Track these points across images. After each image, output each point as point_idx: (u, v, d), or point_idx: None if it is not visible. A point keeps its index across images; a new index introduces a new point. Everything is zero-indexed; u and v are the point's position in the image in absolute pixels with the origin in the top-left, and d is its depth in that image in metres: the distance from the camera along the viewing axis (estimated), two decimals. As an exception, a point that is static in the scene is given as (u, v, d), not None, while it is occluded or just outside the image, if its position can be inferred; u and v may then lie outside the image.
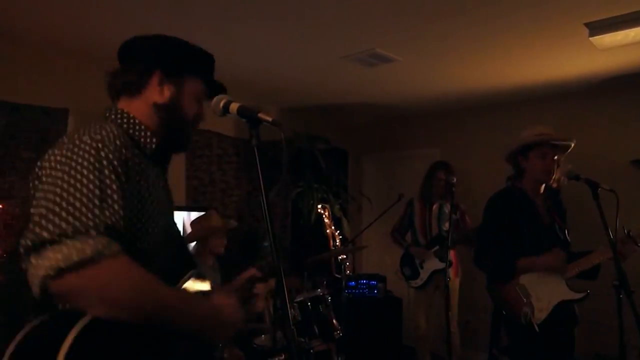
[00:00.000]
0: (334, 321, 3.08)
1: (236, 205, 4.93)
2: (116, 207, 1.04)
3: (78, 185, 1.02)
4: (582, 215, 4.07)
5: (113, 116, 1.24)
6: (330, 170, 5.16)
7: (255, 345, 3.05)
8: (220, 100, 1.28)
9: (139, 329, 1.03)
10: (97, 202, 1.01)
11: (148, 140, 1.25)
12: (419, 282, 4.07)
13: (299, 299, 3.00)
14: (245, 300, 1.44)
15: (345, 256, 3.65)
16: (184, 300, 1.14)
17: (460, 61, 3.76)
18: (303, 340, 2.92)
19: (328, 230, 3.84)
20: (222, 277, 3.62)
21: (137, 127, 1.24)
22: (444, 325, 4.00)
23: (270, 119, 1.20)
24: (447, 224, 4.04)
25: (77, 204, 1.00)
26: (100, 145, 1.07)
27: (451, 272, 4.02)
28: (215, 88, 1.40)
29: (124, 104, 1.26)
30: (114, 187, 1.05)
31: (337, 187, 5.27)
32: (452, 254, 4.00)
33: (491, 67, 3.90)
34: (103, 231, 1.00)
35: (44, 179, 1.05)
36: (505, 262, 2.51)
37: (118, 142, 1.11)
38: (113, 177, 1.06)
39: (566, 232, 2.63)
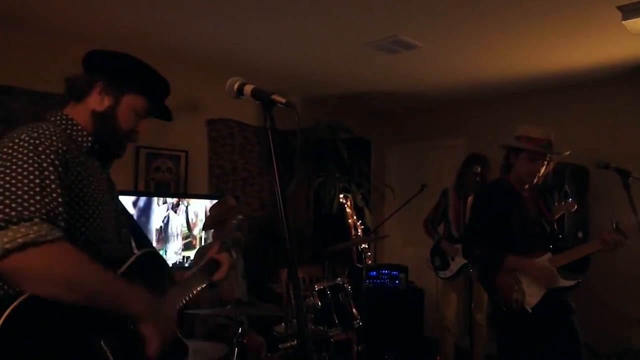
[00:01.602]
0: (354, 310, 3.07)
1: (258, 194, 4.94)
2: (55, 195, 1.13)
3: (19, 177, 1.11)
4: (607, 204, 3.95)
5: (52, 118, 1.34)
6: (353, 160, 5.12)
7: (275, 333, 3.06)
8: (234, 82, 1.26)
9: (68, 314, 1.11)
10: (38, 190, 1.10)
11: (84, 138, 1.34)
12: (447, 273, 4.03)
13: (318, 287, 3.00)
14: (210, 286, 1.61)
15: (366, 246, 3.63)
16: (121, 287, 1.20)
17: (485, 48, 3.67)
18: (322, 328, 2.92)
19: (350, 220, 3.83)
20: (245, 266, 3.65)
21: (75, 128, 1.34)
22: (473, 316, 3.96)
23: (283, 101, 1.19)
24: None
25: (20, 193, 1.09)
26: (38, 141, 1.17)
27: None
28: (162, 112, 1.51)
29: (68, 109, 1.37)
30: (53, 177, 1.14)
31: (359, 176, 5.24)
32: None
33: (518, 54, 3.80)
34: (44, 218, 1.09)
35: None
36: (493, 256, 2.50)
37: (54, 137, 1.20)
38: (51, 169, 1.15)
39: (554, 225, 2.62)
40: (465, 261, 3.91)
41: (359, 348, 3.45)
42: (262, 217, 4.97)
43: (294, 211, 5.11)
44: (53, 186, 1.13)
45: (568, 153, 2.58)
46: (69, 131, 1.32)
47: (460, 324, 4.25)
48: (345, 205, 3.88)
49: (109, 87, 1.37)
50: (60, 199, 1.13)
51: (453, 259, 4.00)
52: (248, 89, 1.24)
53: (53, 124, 1.29)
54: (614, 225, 2.35)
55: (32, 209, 1.07)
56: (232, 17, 3.17)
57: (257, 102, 1.23)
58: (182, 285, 1.50)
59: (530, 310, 2.35)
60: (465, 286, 4.00)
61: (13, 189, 1.08)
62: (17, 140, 1.16)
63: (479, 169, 3.88)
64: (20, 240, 1.04)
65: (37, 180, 1.11)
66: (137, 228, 1.58)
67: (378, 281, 4.59)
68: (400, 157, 6.18)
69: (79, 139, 1.33)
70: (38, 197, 1.09)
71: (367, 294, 3.57)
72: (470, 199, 4.02)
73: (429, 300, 4.72)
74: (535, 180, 2.55)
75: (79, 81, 1.38)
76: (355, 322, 3.04)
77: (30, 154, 1.14)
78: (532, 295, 2.39)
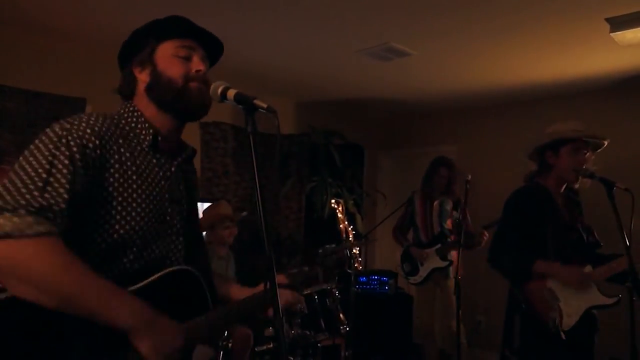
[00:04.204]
0: (341, 316, 3.07)
1: (250, 198, 4.95)
2: (61, 190, 1.07)
3: (28, 167, 1.06)
4: (600, 215, 3.99)
5: (122, 111, 1.30)
6: (345, 166, 5.14)
7: (265, 336, 3.06)
8: (218, 87, 1.27)
9: (57, 327, 1.02)
10: (40, 184, 1.05)
11: (145, 132, 1.29)
12: (417, 279, 4.05)
13: (306, 292, 3.00)
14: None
15: (356, 251, 3.63)
16: (107, 298, 1.06)
17: (476, 56, 3.70)
18: (309, 333, 2.92)
19: (341, 225, 3.84)
20: (237, 268, 3.65)
21: (139, 120, 1.29)
22: (447, 323, 3.96)
23: (265, 106, 1.19)
24: (449, 222, 4.02)
25: (19, 184, 1.04)
26: (65, 132, 1.12)
27: (452, 270, 3.99)
28: (204, 39, 1.38)
29: (135, 101, 1.33)
30: (65, 171, 1.08)
31: (351, 182, 5.25)
32: (454, 253, 3.98)
33: (508, 63, 3.83)
34: (32, 211, 1.02)
35: None
36: (521, 262, 2.39)
37: (88, 131, 1.15)
38: (66, 162, 1.09)
39: (595, 233, 2.52)
40: (434, 266, 3.94)
41: (347, 353, 3.45)
42: (253, 220, 4.97)
43: (285, 215, 5.12)
44: (62, 181, 1.07)
45: (607, 142, 2.49)
46: (133, 125, 1.28)
47: (442, 329, 4.26)
48: (337, 211, 3.88)
49: (139, 61, 1.32)
50: (65, 196, 1.06)
51: (422, 264, 4.03)
52: (231, 93, 1.25)
53: (114, 117, 1.26)
54: None
55: (23, 201, 1.01)
56: (225, 22, 3.19)
57: (240, 106, 1.24)
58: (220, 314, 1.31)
59: (564, 336, 2.24)
60: (437, 291, 4.03)
61: (17, 180, 1.04)
62: (48, 130, 1.12)
63: (445, 172, 3.95)
64: None
65: (44, 175, 1.05)
66: (195, 242, 1.41)
67: (367, 287, 4.60)
68: (392, 164, 6.20)
69: (142, 133, 1.28)
70: (36, 190, 1.04)
71: (356, 300, 3.57)
72: (436, 203, 4.06)
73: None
74: (578, 178, 2.43)
75: (121, 81, 1.34)
76: (342, 328, 3.04)
77: (50, 146, 1.09)
78: (570, 315, 2.29)
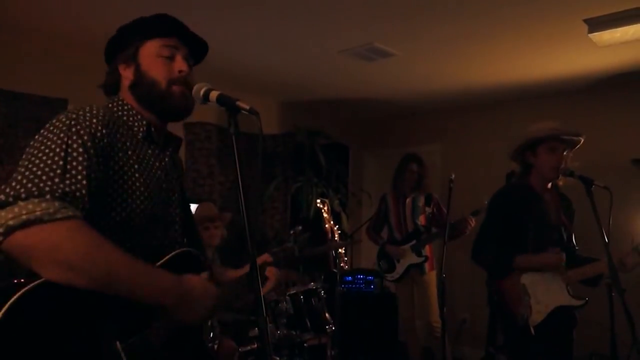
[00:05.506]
0: (327, 315, 3.08)
1: (235, 198, 4.93)
2: (79, 177, 1.09)
3: (44, 157, 1.09)
4: (580, 214, 4.06)
5: (110, 104, 1.33)
6: (331, 165, 5.16)
7: (250, 337, 3.06)
8: (200, 88, 1.28)
9: (83, 306, 1.05)
10: (58, 171, 1.07)
11: (138, 123, 1.32)
12: (395, 275, 4.10)
13: (291, 291, 3.01)
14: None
15: (342, 251, 3.65)
16: (141, 269, 1.11)
17: (458, 57, 3.74)
18: (295, 333, 2.93)
19: (327, 225, 3.85)
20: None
21: (131, 113, 1.32)
22: (427, 319, 3.99)
23: (247, 107, 1.21)
24: (422, 218, 4.07)
25: (39, 172, 1.06)
26: (74, 122, 1.15)
27: (426, 265, 4.04)
28: (190, 41, 1.40)
29: (122, 95, 1.36)
30: (80, 159, 1.11)
31: (336, 182, 5.27)
32: (427, 249, 4.03)
33: (489, 63, 3.88)
34: (59, 196, 1.05)
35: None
36: (502, 257, 2.45)
37: (95, 120, 1.18)
38: (81, 150, 1.12)
39: (573, 236, 2.58)
40: (411, 262, 3.99)
41: (333, 353, 3.46)
42: (239, 221, 4.95)
43: (270, 215, 5.12)
44: (79, 168, 1.10)
45: (583, 138, 2.53)
46: (125, 118, 1.31)
47: (423, 325, 4.30)
48: (323, 210, 3.90)
49: (124, 58, 1.34)
50: (84, 182, 1.09)
51: (399, 261, 4.07)
52: (214, 94, 1.26)
53: (108, 109, 1.28)
54: (635, 248, 2.31)
55: (47, 188, 1.04)
56: (208, 21, 3.17)
57: (222, 108, 1.24)
58: (223, 287, 1.38)
59: (533, 331, 2.31)
60: (415, 288, 4.07)
61: (34, 168, 1.06)
62: (54, 121, 1.16)
63: (416, 167, 4.01)
64: (24, 217, 0.98)
65: (61, 162, 1.08)
66: (189, 225, 1.49)
67: (353, 286, 4.62)
68: (377, 163, 6.23)
69: (135, 125, 1.32)
70: (57, 178, 1.06)
71: (342, 299, 3.58)
72: (408, 200, 4.11)
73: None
74: (558, 175, 2.48)
75: (106, 78, 1.38)
76: (328, 327, 3.06)
77: (62, 134, 1.12)
78: (539, 312, 2.36)
